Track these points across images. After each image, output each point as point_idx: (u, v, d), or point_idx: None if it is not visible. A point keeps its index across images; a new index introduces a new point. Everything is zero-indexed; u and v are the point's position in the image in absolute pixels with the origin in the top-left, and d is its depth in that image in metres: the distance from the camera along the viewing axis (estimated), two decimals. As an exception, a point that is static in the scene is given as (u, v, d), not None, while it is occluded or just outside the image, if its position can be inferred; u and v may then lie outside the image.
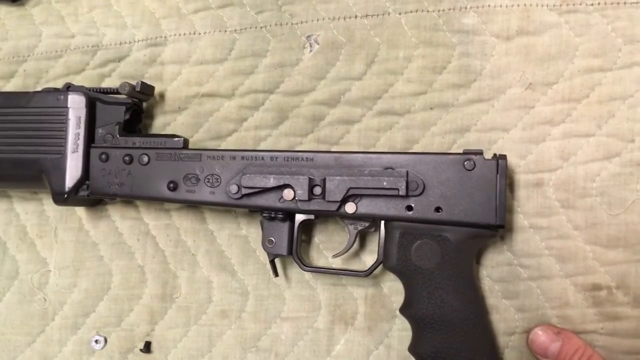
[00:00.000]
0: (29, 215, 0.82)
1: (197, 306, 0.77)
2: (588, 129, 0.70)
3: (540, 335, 0.67)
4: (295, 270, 0.76)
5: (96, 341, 0.79)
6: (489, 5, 0.73)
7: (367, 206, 0.67)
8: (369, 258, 0.74)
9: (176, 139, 0.72)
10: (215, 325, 0.76)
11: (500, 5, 0.72)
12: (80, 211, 0.81)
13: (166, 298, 0.78)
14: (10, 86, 0.84)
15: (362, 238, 0.74)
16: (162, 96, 0.80)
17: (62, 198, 0.73)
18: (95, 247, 0.80)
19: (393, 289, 0.73)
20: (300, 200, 0.68)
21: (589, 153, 0.70)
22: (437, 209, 0.66)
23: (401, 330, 0.73)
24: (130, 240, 0.79)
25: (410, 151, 0.72)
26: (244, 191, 0.69)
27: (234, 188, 0.69)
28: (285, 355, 0.75)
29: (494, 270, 0.71)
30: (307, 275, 0.75)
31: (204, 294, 0.77)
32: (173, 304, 0.78)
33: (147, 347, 0.77)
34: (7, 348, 0.81)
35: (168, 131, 0.79)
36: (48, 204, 0.82)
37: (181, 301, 0.77)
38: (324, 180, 0.67)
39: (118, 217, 0.80)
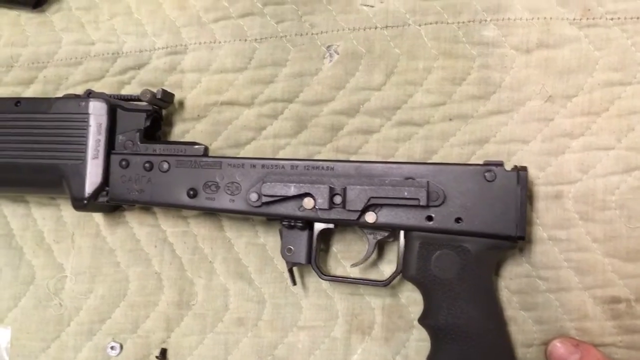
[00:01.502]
0: (46, 221, 0.82)
1: (214, 314, 0.77)
2: (608, 142, 0.70)
3: (559, 348, 0.67)
4: (312, 279, 0.76)
5: (112, 347, 0.79)
6: (509, 18, 0.73)
7: (387, 216, 0.67)
8: (387, 268, 0.74)
9: (197, 146, 0.72)
10: (231, 333, 0.76)
11: (521, 18, 0.73)
12: (98, 217, 0.81)
13: (183, 305, 0.78)
14: (29, 92, 0.85)
15: (381, 248, 0.74)
16: (181, 104, 0.80)
17: (82, 204, 0.73)
18: (112, 253, 0.80)
19: (411, 299, 0.73)
20: (320, 209, 0.68)
21: (609, 166, 0.70)
22: (458, 220, 0.66)
23: (418, 341, 0.73)
24: (148, 247, 0.79)
25: (431, 161, 0.73)
26: (264, 199, 0.69)
27: (254, 196, 0.69)
28: (302, 364, 0.75)
29: (512, 281, 0.71)
30: (325, 285, 0.75)
31: (221, 302, 0.77)
32: (189, 311, 0.78)
33: (163, 354, 0.77)
34: (22, 353, 0.81)
35: (187, 139, 0.80)
36: (65, 210, 0.82)
37: (197, 308, 0.77)
38: (345, 189, 0.67)
39: (136, 224, 0.80)
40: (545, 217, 0.71)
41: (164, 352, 0.77)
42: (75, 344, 0.80)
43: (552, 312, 0.70)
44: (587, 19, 0.72)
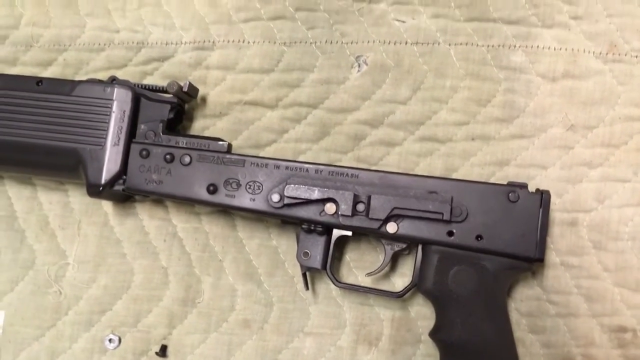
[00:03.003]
0: (52, 205, 0.80)
1: (219, 313, 0.76)
2: (625, 175, 0.72)
3: (566, 372, 0.68)
4: (323, 286, 0.75)
5: (110, 340, 0.77)
6: (537, 46, 0.75)
7: (409, 228, 0.68)
8: (398, 280, 0.74)
9: (221, 142, 0.72)
10: (235, 334, 0.75)
11: (549, 48, 0.75)
12: (107, 206, 0.80)
13: (188, 302, 0.77)
14: (47, 74, 0.83)
15: (394, 260, 0.74)
16: (203, 100, 0.80)
17: (97, 190, 0.72)
18: (119, 244, 0.79)
19: (420, 313, 0.73)
20: (342, 215, 0.68)
21: (624, 198, 0.72)
22: (478, 237, 0.66)
23: (425, 356, 0.73)
24: (157, 240, 0.78)
25: (456, 178, 0.73)
26: (287, 201, 0.69)
27: (276, 197, 0.69)
28: (306, 370, 0.74)
29: (522, 303, 0.72)
30: (335, 292, 0.75)
31: (227, 302, 0.76)
32: (194, 309, 0.76)
33: (163, 351, 0.76)
34: (14, 340, 0.78)
35: (207, 135, 0.79)
36: (74, 196, 0.80)
37: (203, 307, 0.76)
38: (369, 197, 0.68)
39: (146, 216, 0.79)
40: (560, 242, 0.72)
41: (164, 348, 0.76)
42: (72, 333, 0.77)
43: (560, 336, 0.71)
44: (613, 54, 0.74)
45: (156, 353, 0.76)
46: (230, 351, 0.75)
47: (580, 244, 0.72)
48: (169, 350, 0.76)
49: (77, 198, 0.80)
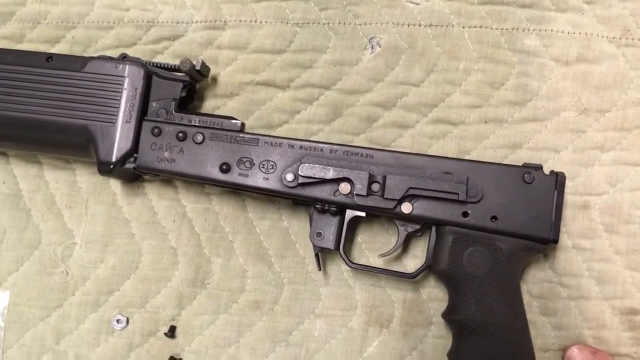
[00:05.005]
0: (59, 184, 0.79)
1: (229, 294, 0.75)
2: (637, 159, 0.72)
3: (577, 354, 0.68)
4: (334, 268, 0.75)
5: (117, 321, 0.76)
6: (551, 30, 0.75)
7: (424, 208, 0.67)
8: (410, 262, 0.74)
9: (234, 121, 0.71)
10: (245, 315, 0.75)
11: (563, 31, 0.75)
12: (115, 186, 0.79)
13: (197, 283, 0.76)
14: (54, 51, 0.82)
15: (406, 242, 0.74)
16: (214, 79, 0.79)
17: (108, 168, 0.71)
18: (127, 224, 0.78)
19: (432, 295, 0.73)
20: (357, 195, 0.67)
21: (636, 181, 0.72)
22: (493, 218, 0.66)
23: (436, 338, 0.73)
24: (166, 220, 0.77)
25: (471, 159, 0.73)
26: (301, 180, 0.68)
27: (290, 176, 0.68)
28: (316, 352, 0.73)
29: (534, 286, 0.72)
30: (346, 274, 0.75)
31: (237, 283, 0.75)
32: (203, 290, 0.76)
33: (172, 332, 0.75)
34: (19, 320, 0.77)
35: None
36: (81, 175, 0.79)
37: (212, 288, 0.76)
38: (385, 177, 0.67)
39: (155, 196, 0.78)
40: (572, 225, 0.72)
41: (172, 329, 0.75)
42: (79, 314, 0.77)
43: (571, 319, 0.71)
44: (626, 38, 0.74)
45: (165, 334, 0.75)
46: (240, 332, 0.75)
47: (592, 227, 0.72)
48: (178, 331, 0.75)
49: (84, 177, 0.79)
